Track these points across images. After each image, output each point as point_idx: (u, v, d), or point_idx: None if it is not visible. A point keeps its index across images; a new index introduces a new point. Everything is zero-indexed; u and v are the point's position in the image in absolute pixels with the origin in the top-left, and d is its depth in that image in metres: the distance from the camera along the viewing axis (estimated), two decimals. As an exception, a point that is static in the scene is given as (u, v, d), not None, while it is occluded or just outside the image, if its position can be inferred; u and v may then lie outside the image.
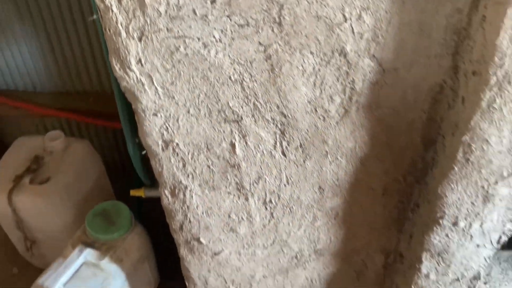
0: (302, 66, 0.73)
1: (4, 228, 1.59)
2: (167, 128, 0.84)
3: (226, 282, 1.18)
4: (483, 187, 0.77)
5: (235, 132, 0.83)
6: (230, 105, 0.79)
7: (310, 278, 1.15)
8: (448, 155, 0.76)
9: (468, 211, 0.81)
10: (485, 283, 1.17)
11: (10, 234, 1.60)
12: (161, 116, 0.82)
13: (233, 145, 0.85)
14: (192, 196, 0.96)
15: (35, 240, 1.58)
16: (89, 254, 1.34)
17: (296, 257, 1.09)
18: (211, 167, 0.90)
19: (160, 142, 0.86)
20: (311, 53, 0.71)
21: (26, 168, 1.53)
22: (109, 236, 1.39)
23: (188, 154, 0.87)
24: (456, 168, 0.75)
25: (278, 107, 0.79)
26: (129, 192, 1.40)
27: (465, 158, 0.74)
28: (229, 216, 1.00)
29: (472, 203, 0.80)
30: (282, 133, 0.83)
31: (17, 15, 1.61)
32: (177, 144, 0.86)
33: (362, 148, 0.84)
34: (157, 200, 1.04)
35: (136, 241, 1.44)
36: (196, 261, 1.12)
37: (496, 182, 0.76)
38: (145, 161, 1.35)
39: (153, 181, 1.42)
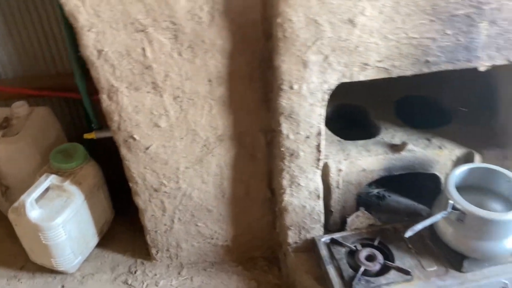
0: (178, -14, 1.18)
1: (-18, 177, 1.94)
2: (98, 40, 1.27)
3: (159, 177, 1.59)
4: (299, 56, 1.24)
5: (144, 39, 1.27)
6: (138, 18, 1.24)
7: (219, 165, 1.58)
8: (275, 35, 1.22)
9: (296, 76, 1.27)
10: (345, 159, 1.63)
11: (-13, 182, 1.95)
12: (93, 31, 1.25)
13: (144, 50, 1.29)
14: (122, 97, 1.38)
15: (8, 186, 1.94)
16: (53, 178, 1.72)
17: (205, 145, 1.52)
18: (133, 70, 1.33)
19: (94, 52, 1.29)
20: (182, -24, 1.17)
21: (-1, 126, 1.90)
22: (69, 165, 1.78)
23: (115, 60, 1.30)
24: (280, 44, 1.22)
25: (169, 17, 1.24)
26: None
27: (283, 35, 1.20)
28: (152, 113, 1.43)
29: (298, 70, 1.26)
30: (175, 37, 1.28)
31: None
32: (107, 52, 1.29)
33: (228, 44, 1.29)
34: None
35: (91, 170, 1.83)
36: (134, 158, 1.53)
37: (306, 51, 1.23)
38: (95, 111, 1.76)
39: (101, 125, 1.83)
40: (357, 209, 1.76)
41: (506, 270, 1.50)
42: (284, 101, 1.32)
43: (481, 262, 1.50)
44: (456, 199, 1.41)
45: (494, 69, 1.60)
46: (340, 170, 1.61)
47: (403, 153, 1.63)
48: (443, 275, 1.50)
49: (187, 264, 1.87)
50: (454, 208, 1.41)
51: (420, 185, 1.84)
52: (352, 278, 1.47)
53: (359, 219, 1.75)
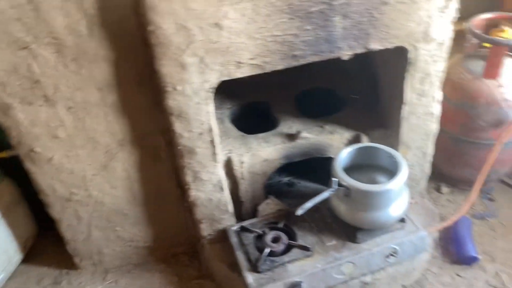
0: (55, 2, 1.26)
1: None
2: (-16, 60, 1.33)
3: (68, 187, 1.65)
4: (176, 59, 1.34)
5: (29, 56, 1.34)
6: (19, 36, 1.30)
7: (125, 169, 1.66)
8: (150, 42, 1.32)
9: (177, 78, 1.38)
10: (247, 152, 1.75)
11: None
12: (-23, 52, 1.31)
13: (30, 65, 1.36)
14: (17, 113, 1.44)
15: None
16: (-33, 199, 1.75)
17: (107, 151, 1.60)
18: (22, 85, 1.39)
19: (-19, 71, 1.34)
20: (55, -6, 1.25)
21: None
22: (-18, 185, 1.81)
23: (4, 77, 1.36)
24: (157, 49, 1.32)
25: (50, 33, 1.32)
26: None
27: (157, 41, 1.30)
28: (48, 125, 1.49)
29: (177, 72, 1.37)
30: (59, 51, 1.36)
31: None
32: (-6, 71, 1.35)
33: (111, 53, 1.38)
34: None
35: (6, 188, 1.87)
36: (39, 170, 1.59)
37: (182, 55, 1.34)
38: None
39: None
40: (267, 197, 1.89)
41: (395, 236, 1.66)
42: (171, 102, 1.42)
43: (373, 232, 1.66)
44: (341, 176, 1.56)
45: (374, 57, 1.78)
46: (242, 162, 1.72)
47: (299, 141, 1.77)
48: (341, 248, 1.64)
49: (111, 268, 1.93)
50: (339, 185, 1.56)
51: (326, 169, 1.99)
52: (258, 260, 1.59)
53: (269, 206, 1.87)
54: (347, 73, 2.09)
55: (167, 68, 1.36)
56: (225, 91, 2.06)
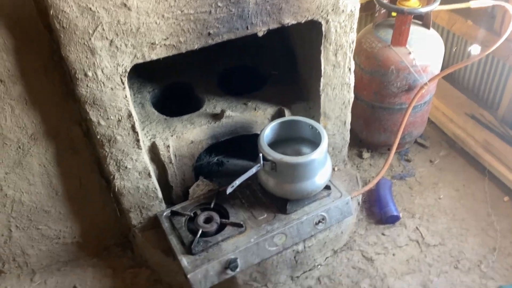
0: None
1: None
2: None
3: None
4: (84, 44, 1.27)
5: None
6: None
7: (42, 164, 1.57)
8: (53, 27, 1.24)
9: (87, 63, 1.31)
10: (172, 135, 1.71)
11: None
12: None
13: None
14: None
15: None
16: None
17: (19, 147, 1.49)
18: None
19: None
20: None
21: None
22: None
23: None
24: (61, 35, 1.24)
25: None
26: None
27: (61, 26, 1.22)
28: None
29: (86, 57, 1.30)
30: None
31: None
32: None
33: (10, 41, 1.28)
34: None
35: None
36: None
37: (89, 39, 1.27)
38: None
39: None
40: (197, 179, 1.88)
41: (323, 204, 1.73)
42: (83, 90, 1.35)
43: (301, 202, 1.71)
44: (266, 151, 1.59)
45: (290, 32, 1.81)
46: (168, 146, 1.69)
47: (224, 120, 1.77)
48: (272, 220, 1.68)
49: (39, 269, 1.84)
50: (265, 159, 1.58)
51: (254, 146, 2.01)
52: (191, 242, 1.59)
53: (199, 188, 1.87)
54: (267, 49, 2.10)
55: (74, 54, 1.28)
56: (145, 73, 2.01)
